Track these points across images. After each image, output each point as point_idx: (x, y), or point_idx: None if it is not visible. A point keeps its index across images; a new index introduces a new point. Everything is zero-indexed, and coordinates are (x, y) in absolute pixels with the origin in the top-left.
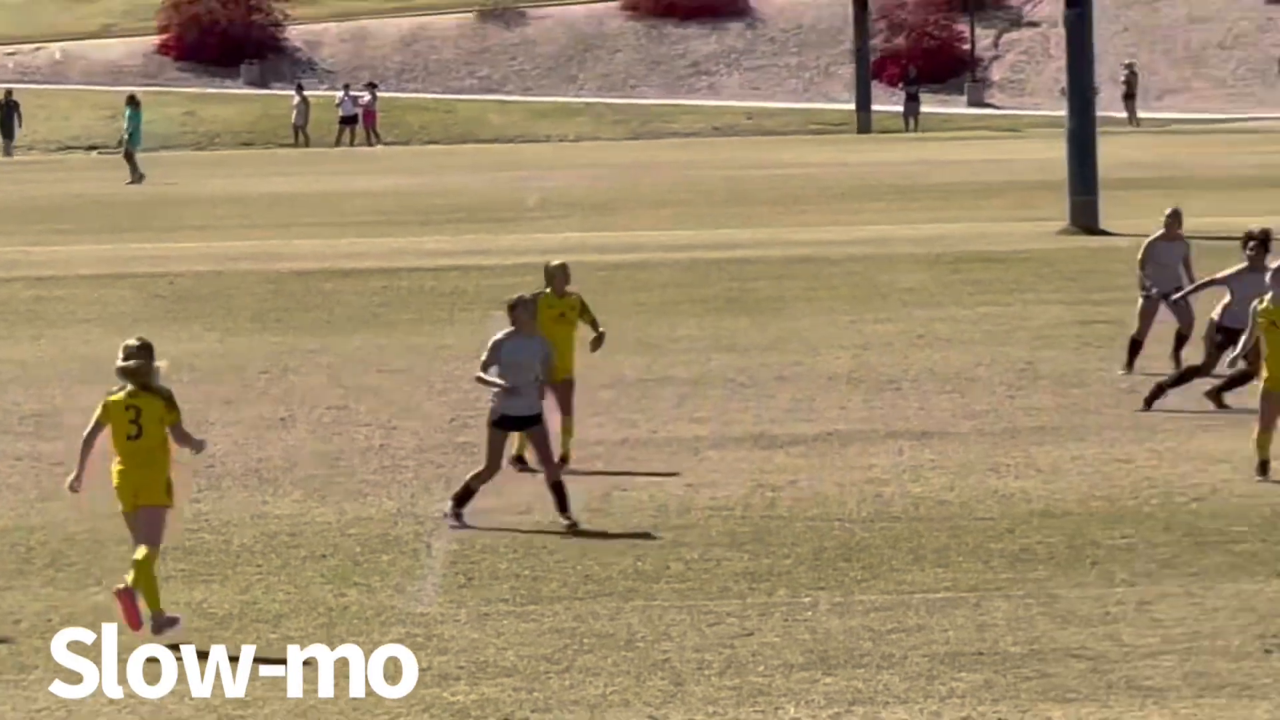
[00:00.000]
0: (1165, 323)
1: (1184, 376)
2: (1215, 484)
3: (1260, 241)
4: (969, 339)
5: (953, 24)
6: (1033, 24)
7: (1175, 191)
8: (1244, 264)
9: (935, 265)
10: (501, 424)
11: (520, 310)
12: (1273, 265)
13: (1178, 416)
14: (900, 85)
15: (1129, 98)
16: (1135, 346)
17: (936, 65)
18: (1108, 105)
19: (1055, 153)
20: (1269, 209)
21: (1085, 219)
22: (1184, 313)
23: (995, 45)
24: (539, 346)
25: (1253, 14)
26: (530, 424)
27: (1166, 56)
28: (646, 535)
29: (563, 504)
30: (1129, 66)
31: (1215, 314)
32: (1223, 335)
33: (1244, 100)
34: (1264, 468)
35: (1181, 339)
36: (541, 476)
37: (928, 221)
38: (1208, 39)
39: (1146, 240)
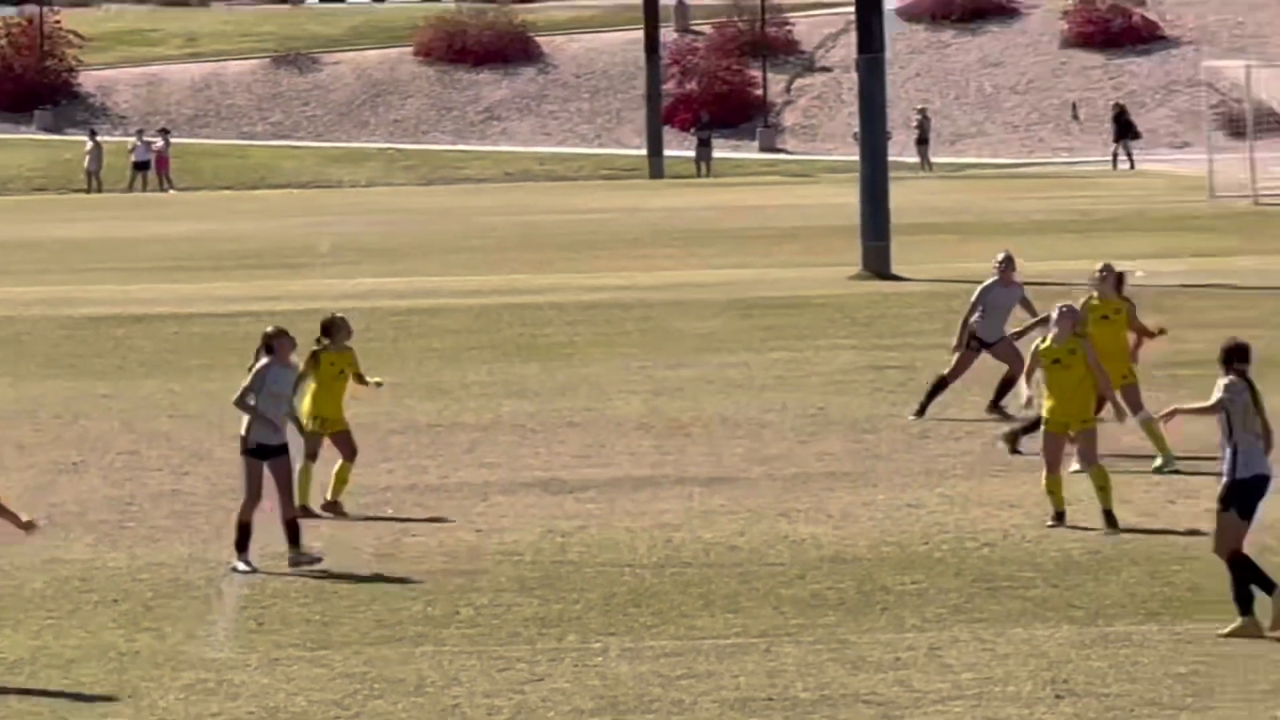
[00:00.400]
0: (981, 368)
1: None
2: (1006, 529)
3: (1112, 272)
4: (761, 384)
5: (745, 69)
6: (825, 69)
7: (967, 236)
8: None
9: (727, 311)
10: (256, 453)
11: (281, 340)
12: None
13: (969, 462)
14: (692, 130)
15: (922, 143)
16: (940, 387)
17: (729, 110)
18: (901, 150)
19: (848, 198)
20: (1058, 253)
21: (877, 264)
22: (1012, 357)
23: (788, 90)
24: (293, 376)
25: (1046, 59)
26: (277, 454)
27: (959, 101)
28: (437, 580)
29: (294, 539)
30: (921, 111)
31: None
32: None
33: (1037, 145)
34: (1060, 518)
35: (1006, 384)
36: (328, 520)
37: (720, 267)
38: (1000, 83)
39: (980, 286)
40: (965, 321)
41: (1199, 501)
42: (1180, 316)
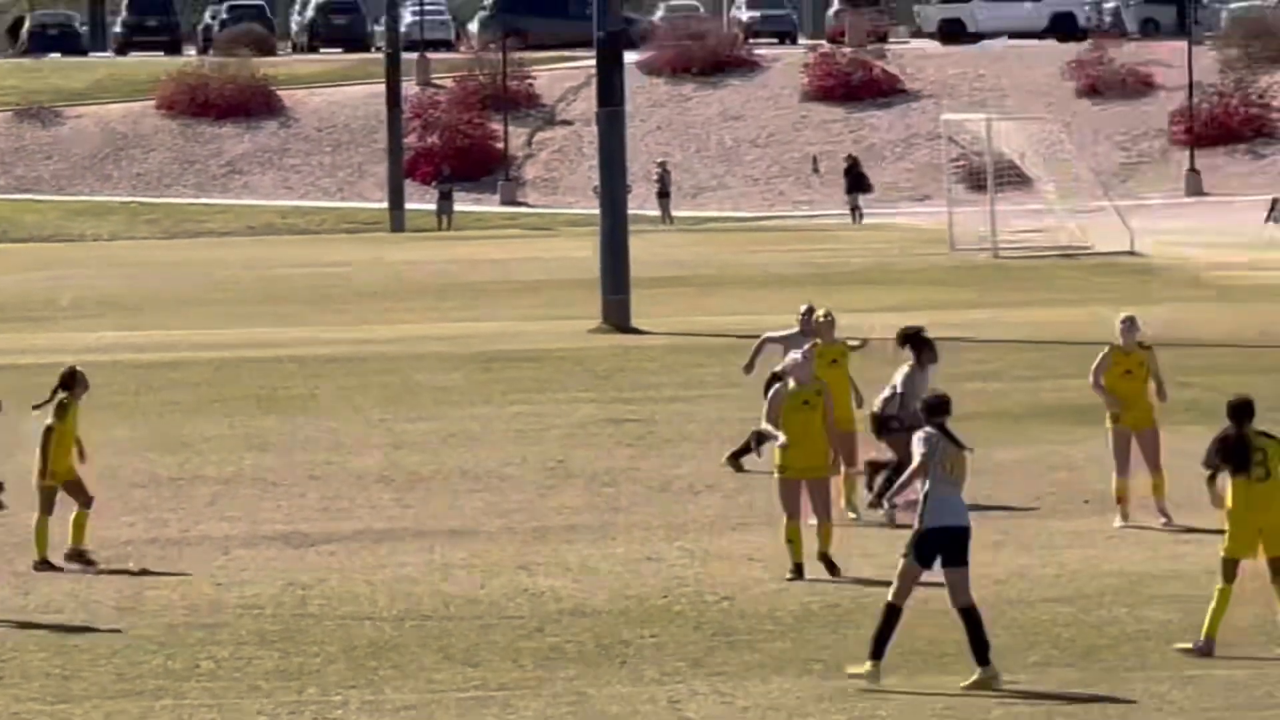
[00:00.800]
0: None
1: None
2: (745, 582)
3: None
4: (501, 437)
5: (486, 122)
6: (566, 122)
7: (707, 290)
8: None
9: (468, 364)
10: None
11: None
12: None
13: (709, 515)
14: (434, 184)
15: (663, 196)
16: (759, 441)
17: (470, 164)
18: (642, 203)
19: (588, 251)
20: (792, 306)
21: (617, 317)
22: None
23: (529, 144)
24: None
25: (786, 112)
26: None
27: (700, 154)
28: (177, 634)
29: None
30: (662, 164)
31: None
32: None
33: (777, 198)
34: (799, 571)
35: (761, 437)
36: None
37: (461, 320)
38: (741, 137)
39: (784, 335)
40: (774, 374)
41: None
42: None
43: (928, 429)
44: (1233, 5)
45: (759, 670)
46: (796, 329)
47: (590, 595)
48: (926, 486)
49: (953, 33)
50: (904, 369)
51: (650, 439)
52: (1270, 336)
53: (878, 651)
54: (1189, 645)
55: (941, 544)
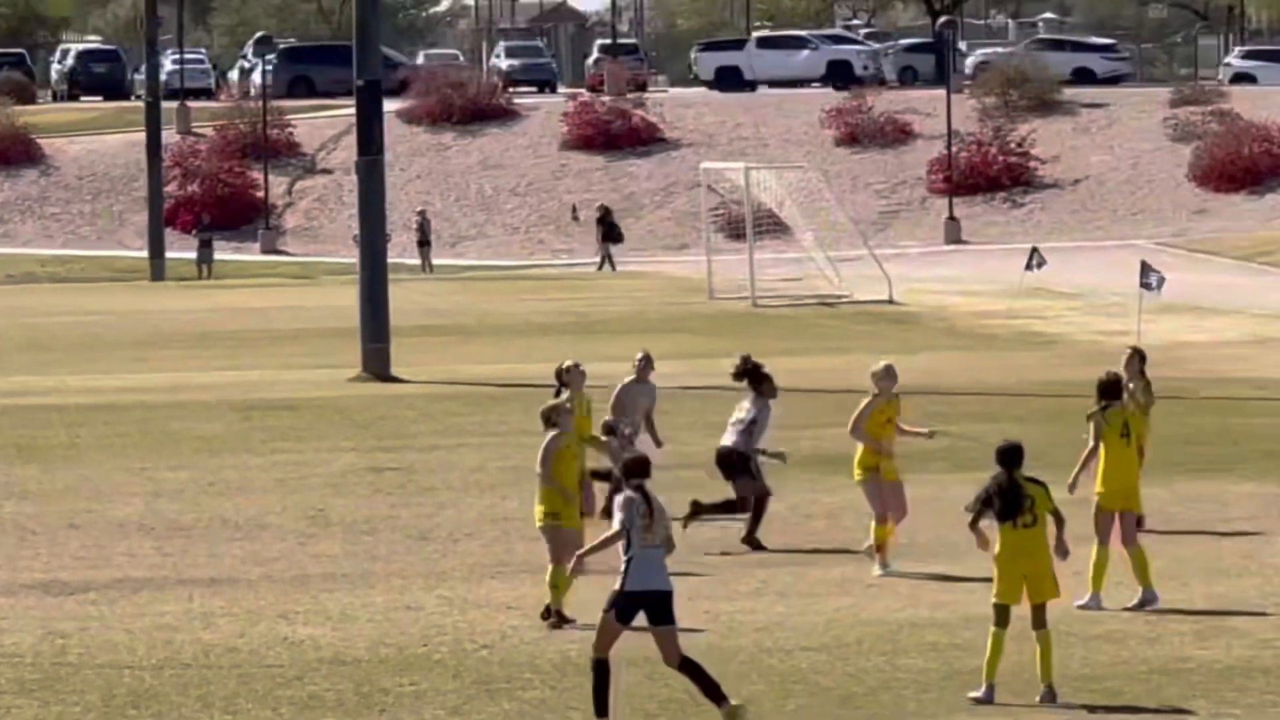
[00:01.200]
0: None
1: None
2: (504, 631)
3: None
4: (261, 486)
5: (247, 171)
6: (326, 171)
7: (467, 338)
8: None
9: (228, 412)
10: None
11: None
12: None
13: (468, 564)
14: (194, 232)
15: (423, 244)
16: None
17: (230, 212)
18: (402, 252)
19: (348, 299)
20: (559, 355)
21: (377, 366)
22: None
23: (289, 192)
24: None
25: (545, 161)
26: None
27: (460, 203)
28: None
29: None
30: (422, 213)
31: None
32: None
33: (537, 246)
34: (560, 617)
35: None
36: None
37: (222, 369)
38: (501, 185)
39: (619, 385)
40: (610, 424)
41: (699, 603)
42: (679, 418)
43: (627, 492)
44: (978, 53)
45: (518, 719)
46: (634, 377)
47: (350, 644)
48: (629, 551)
49: (731, 81)
50: (744, 403)
51: (410, 487)
52: (1028, 385)
53: (600, 708)
54: (977, 694)
55: (643, 605)
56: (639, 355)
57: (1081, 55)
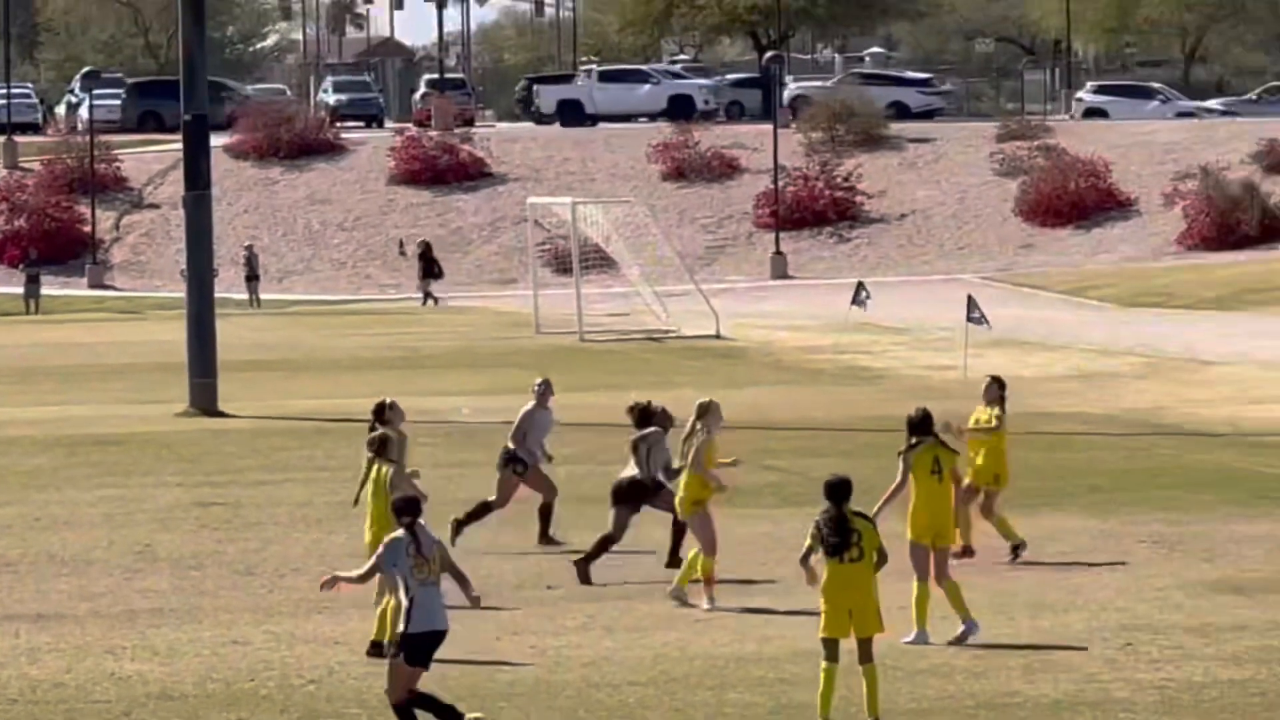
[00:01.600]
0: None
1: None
2: (331, 666)
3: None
4: (88, 521)
5: (74, 205)
6: (154, 205)
7: (294, 373)
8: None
9: (54, 447)
10: None
11: None
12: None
13: (295, 599)
14: (21, 267)
15: (251, 279)
16: (484, 510)
17: (57, 247)
18: (230, 287)
19: (176, 334)
20: (383, 390)
21: (204, 401)
22: (545, 485)
23: (116, 227)
24: None
25: (373, 195)
26: None
27: (287, 238)
28: None
29: None
30: (249, 248)
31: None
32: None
33: (364, 281)
34: (377, 649)
35: (546, 512)
36: None
37: (48, 404)
38: (329, 220)
39: (523, 410)
40: (510, 448)
41: (525, 638)
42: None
43: (395, 534)
44: (792, 86)
45: None
46: (534, 403)
47: (177, 679)
48: (409, 593)
49: (572, 115)
50: (649, 441)
51: (236, 522)
52: (854, 420)
53: None
54: None
55: (430, 644)
56: (538, 381)
57: (897, 89)
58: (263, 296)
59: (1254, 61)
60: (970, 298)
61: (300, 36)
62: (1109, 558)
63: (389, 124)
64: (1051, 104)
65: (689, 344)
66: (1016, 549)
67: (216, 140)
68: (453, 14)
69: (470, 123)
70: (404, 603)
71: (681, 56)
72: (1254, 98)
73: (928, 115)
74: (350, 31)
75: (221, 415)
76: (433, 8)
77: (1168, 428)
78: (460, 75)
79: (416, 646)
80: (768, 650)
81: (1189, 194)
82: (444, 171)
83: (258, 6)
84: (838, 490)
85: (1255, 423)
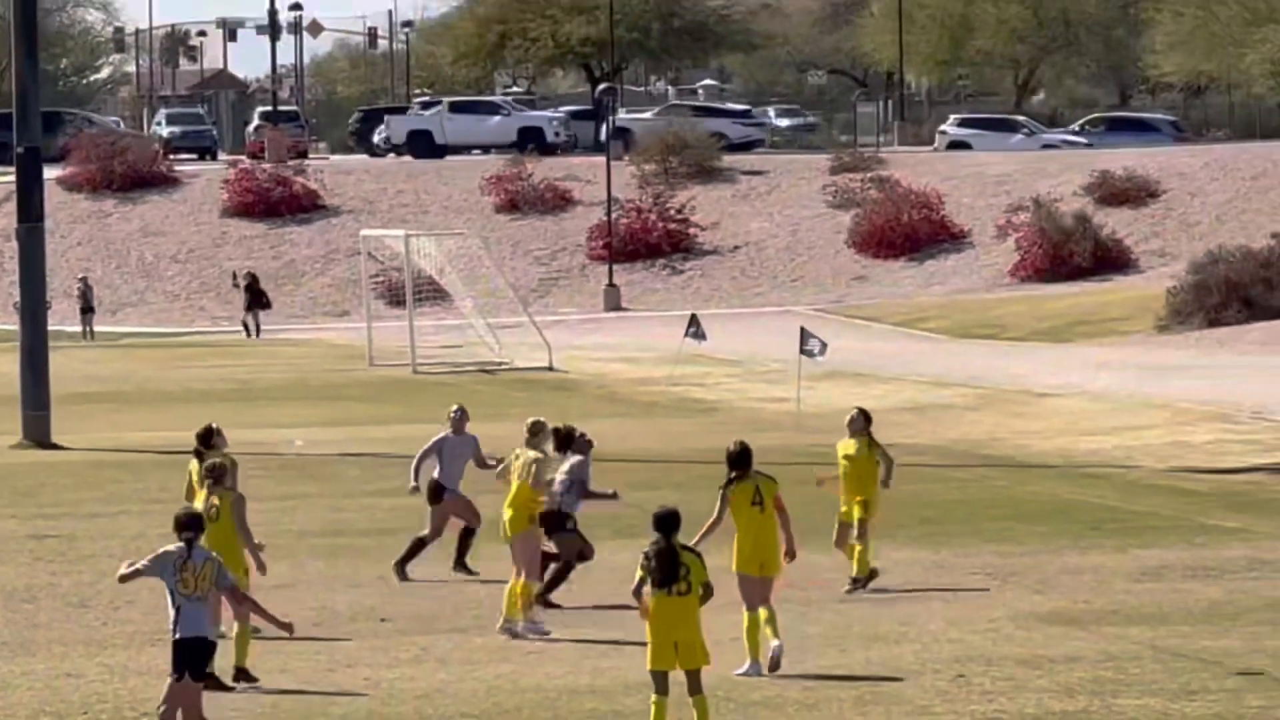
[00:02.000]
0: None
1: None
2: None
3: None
4: None
5: None
6: None
7: (127, 405)
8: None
9: None
10: None
11: None
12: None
13: (129, 631)
14: None
15: (86, 311)
16: (420, 546)
17: None
18: (63, 319)
19: (9, 367)
20: (216, 421)
21: (38, 433)
22: (468, 511)
23: None
24: None
25: (206, 227)
26: None
27: (121, 270)
28: None
29: None
30: (83, 280)
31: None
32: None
33: (198, 314)
34: (241, 674)
35: (467, 537)
36: None
37: None
38: (162, 252)
39: (437, 438)
40: (417, 470)
41: (359, 669)
42: (339, 485)
43: (169, 546)
44: (618, 118)
45: None
46: (448, 430)
47: (10, 712)
48: (174, 602)
49: (422, 145)
50: (563, 466)
51: (70, 555)
52: (688, 452)
53: None
54: None
55: (197, 652)
56: (454, 409)
57: (717, 121)
58: (96, 329)
59: (1086, 94)
60: (803, 329)
61: (134, 69)
62: (941, 589)
63: (222, 156)
64: (884, 136)
65: (521, 376)
66: (858, 581)
67: (49, 173)
68: (285, 46)
69: (304, 155)
70: (171, 613)
71: (514, 89)
72: (1077, 129)
73: (746, 146)
74: (184, 64)
75: (55, 448)
76: (266, 40)
77: (1000, 459)
78: (294, 107)
79: (184, 652)
80: (600, 682)
81: (1022, 226)
82: (277, 204)
83: (91, 40)
84: (666, 522)
85: (1087, 454)
